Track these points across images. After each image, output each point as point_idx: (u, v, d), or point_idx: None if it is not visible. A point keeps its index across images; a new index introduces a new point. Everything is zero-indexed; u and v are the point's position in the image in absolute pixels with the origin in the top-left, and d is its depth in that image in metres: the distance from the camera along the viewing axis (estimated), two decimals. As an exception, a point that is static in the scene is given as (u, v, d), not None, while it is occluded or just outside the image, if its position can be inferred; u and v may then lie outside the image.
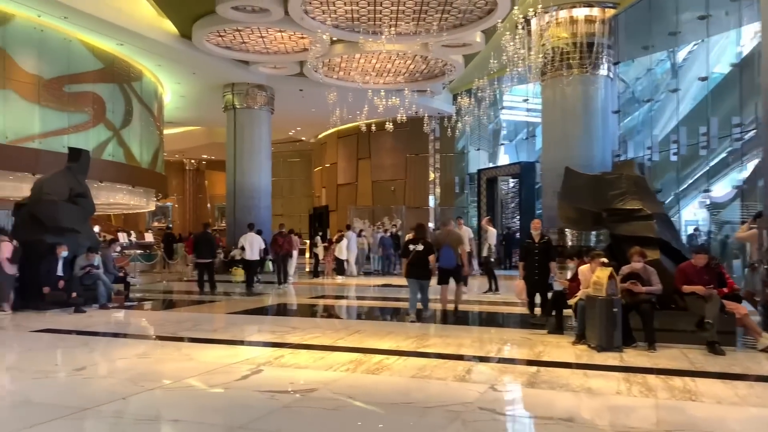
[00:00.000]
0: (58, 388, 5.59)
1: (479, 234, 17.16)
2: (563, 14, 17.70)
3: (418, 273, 9.59)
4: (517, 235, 22.50)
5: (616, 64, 18.39)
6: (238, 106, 21.34)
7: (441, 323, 9.67)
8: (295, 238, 17.40)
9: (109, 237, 18.53)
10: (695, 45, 17.38)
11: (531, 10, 13.26)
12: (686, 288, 7.43)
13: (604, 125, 18.11)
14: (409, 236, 14.52)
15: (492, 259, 14.30)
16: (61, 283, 10.92)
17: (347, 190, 29.20)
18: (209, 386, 5.68)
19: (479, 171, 24.97)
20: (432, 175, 26.80)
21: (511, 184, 23.67)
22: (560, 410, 4.85)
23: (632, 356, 6.87)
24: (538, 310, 9.44)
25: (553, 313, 8.54)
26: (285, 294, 14.54)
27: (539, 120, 25.59)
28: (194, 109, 25.17)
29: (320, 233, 22.22)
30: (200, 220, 38.94)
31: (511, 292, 13.11)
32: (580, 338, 7.63)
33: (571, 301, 8.13)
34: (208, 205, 39.82)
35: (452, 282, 10.02)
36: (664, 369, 6.23)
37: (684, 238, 15.15)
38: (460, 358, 6.96)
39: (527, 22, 14.75)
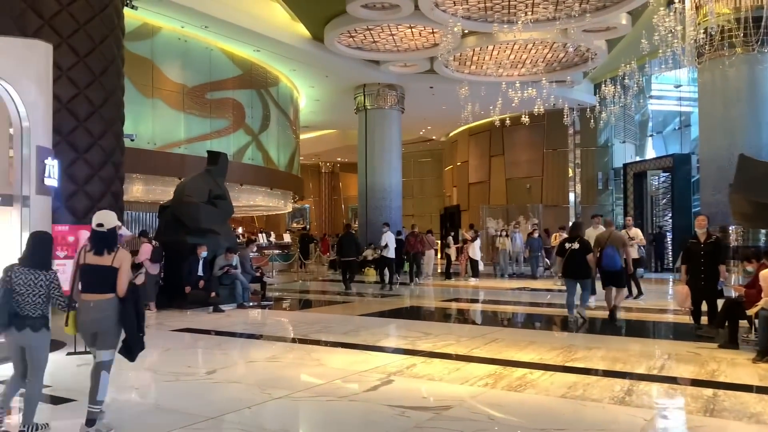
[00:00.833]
0: (186, 393, 5.48)
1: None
2: (724, -14, 15.72)
3: (574, 272, 9.35)
4: (669, 234, 20.57)
5: (788, 39, 16.05)
6: (369, 107, 21.35)
7: (586, 332, 8.72)
8: (431, 238, 17.71)
9: (246, 237, 19.15)
10: None
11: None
12: None
13: (774, 109, 15.89)
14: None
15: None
16: (201, 283, 11.24)
17: (479, 188, 28.33)
18: (337, 397, 5.29)
19: (625, 165, 23.08)
20: (571, 171, 25.21)
21: (662, 179, 21.61)
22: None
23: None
24: (704, 320, 8.20)
25: (726, 324, 7.34)
26: (417, 295, 14.12)
27: (691, 109, 23.38)
28: (328, 112, 25.60)
29: (452, 233, 21.62)
30: (335, 221, 40.08)
31: (662, 298, 11.88)
32: (763, 355, 6.49)
33: (751, 311, 6.97)
34: (342, 206, 40.64)
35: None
36: None
37: None
38: (616, 375, 6.06)
39: (681, -2, 13.16)
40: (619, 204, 24.01)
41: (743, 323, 7.41)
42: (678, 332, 8.85)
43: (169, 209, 12.06)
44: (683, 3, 12.94)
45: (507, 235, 18.43)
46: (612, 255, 9.44)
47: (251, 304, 11.81)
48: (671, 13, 12.29)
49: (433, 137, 32.56)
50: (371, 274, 19.05)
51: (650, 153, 24.82)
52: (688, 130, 23.31)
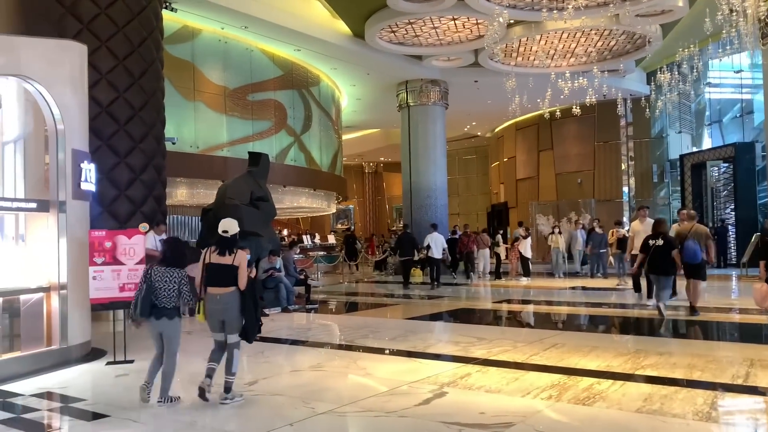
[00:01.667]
0: (225, 408, 5.13)
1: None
2: (790, -40, 14.64)
3: (657, 268, 9.35)
4: (731, 227, 19.46)
5: None
6: (411, 104, 20.85)
7: (650, 335, 8.06)
8: (485, 237, 18.04)
9: (289, 239, 18.95)
10: None
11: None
12: None
13: None
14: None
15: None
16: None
17: (527, 184, 27.49)
18: (386, 412, 4.85)
19: (682, 156, 21.96)
20: (624, 165, 24.15)
21: (722, 170, 20.45)
22: None
23: None
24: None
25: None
26: (467, 297, 13.59)
27: (751, 96, 22.07)
28: (370, 111, 25.23)
29: (500, 232, 20.95)
30: (380, 221, 39.75)
31: (726, 296, 11.21)
32: None
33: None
34: (387, 206, 40.28)
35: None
36: None
37: None
38: (696, 385, 5.44)
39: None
40: (676, 197, 22.91)
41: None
42: (756, 335, 8.10)
43: (212, 212, 11.84)
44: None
45: (560, 232, 17.68)
46: (693, 248, 9.36)
47: (296, 307, 11.52)
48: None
49: (478, 133, 31.85)
50: (418, 274, 18.70)
51: (707, 143, 23.59)
52: (749, 118, 22.03)
